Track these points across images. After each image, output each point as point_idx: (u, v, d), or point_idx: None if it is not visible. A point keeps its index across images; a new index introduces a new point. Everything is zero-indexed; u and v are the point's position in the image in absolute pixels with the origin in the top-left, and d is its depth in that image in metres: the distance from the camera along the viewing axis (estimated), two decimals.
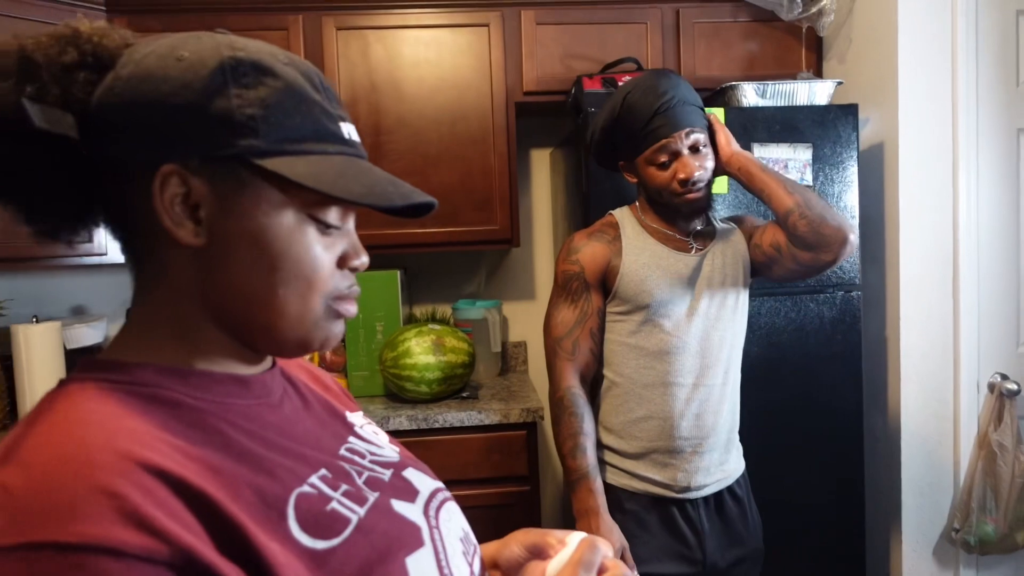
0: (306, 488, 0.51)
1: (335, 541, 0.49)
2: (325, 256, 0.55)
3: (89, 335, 2.29)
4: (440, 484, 0.66)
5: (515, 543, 0.66)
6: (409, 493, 0.60)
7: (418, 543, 0.54)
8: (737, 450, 1.54)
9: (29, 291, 2.47)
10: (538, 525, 2.01)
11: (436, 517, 0.59)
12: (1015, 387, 1.96)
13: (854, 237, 1.42)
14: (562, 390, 1.50)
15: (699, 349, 1.46)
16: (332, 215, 0.55)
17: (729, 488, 1.51)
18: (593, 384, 1.55)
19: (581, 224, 1.92)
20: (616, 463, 1.50)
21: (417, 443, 2.02)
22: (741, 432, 1.55)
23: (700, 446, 1.46)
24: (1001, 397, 1.97)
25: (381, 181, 0.54)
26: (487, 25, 2.25)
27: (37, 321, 2.19)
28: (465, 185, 2.28)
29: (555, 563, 0.59)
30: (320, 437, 0.59)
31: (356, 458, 0.60)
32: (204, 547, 0.41)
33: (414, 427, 2.02)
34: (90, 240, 2.17)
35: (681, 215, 1.49)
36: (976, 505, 1.94)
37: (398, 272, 2.30)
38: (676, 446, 1.46)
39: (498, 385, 2.39)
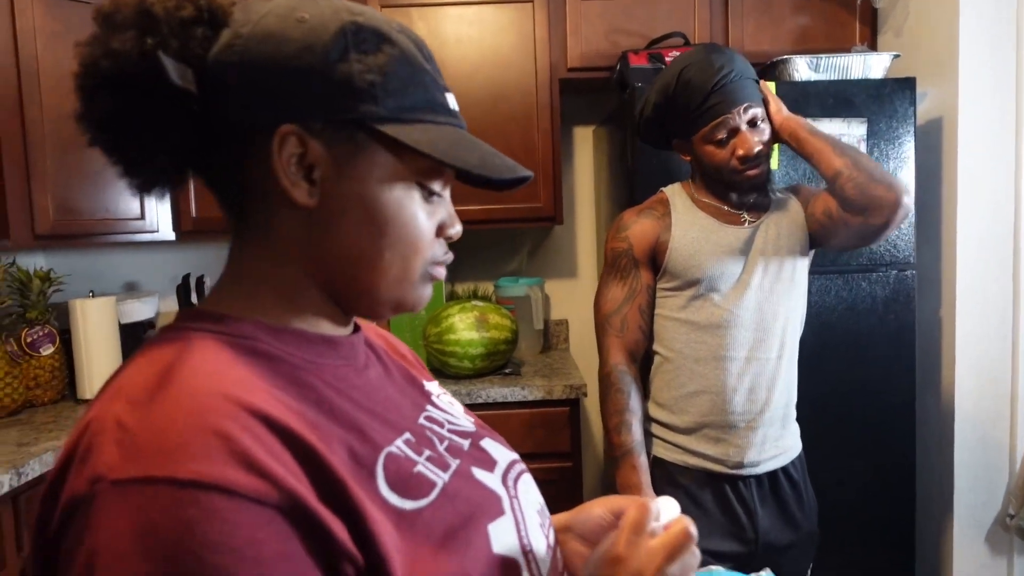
0: (394, 449, 0.52)
1: (422, 502, 0.50)
2: (428, 223, 0.56)
3: (141, 310, 2.36)
4: (516, 456, 0.66)
5: (598, 506, 0.66)
6: (488, 463, 0.60)
7: (499, 511, 0.55)
8: (794, 428, 1.51)
9: (84, 268, 2.54)
10: (580, 501, 2.01)
11: (515, 487, 0.60)
12: None
13: (908, 200, 1.37)
14: (609, 366, 1.50)
15: (752, 322, 1.44)
16: (438, 183, 0.56)
17: (784, 469, 1.49)
18: (645, 361, 1.54)
19: (626, 202, 1.90)
20: (668, 437, 1.50)
21: None
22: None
23: (754, 421, 1.44)
24: None
25: (489, 153, 0.55)
26: (531, 1, 2.23)
27: (93, 296, 2.26)
28: None
29: None
30: (401, 404, 0.60)
31: (435, 426, 0.61)
32: (308, 495, 0.42)
33: None
34: (142, 217, 2.22)
35: (739, 191, 1.46)
36: None
37: None
38: (729, 421, 1.44)
39: (540, 362, 2.40)
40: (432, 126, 0.53)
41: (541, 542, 0.57)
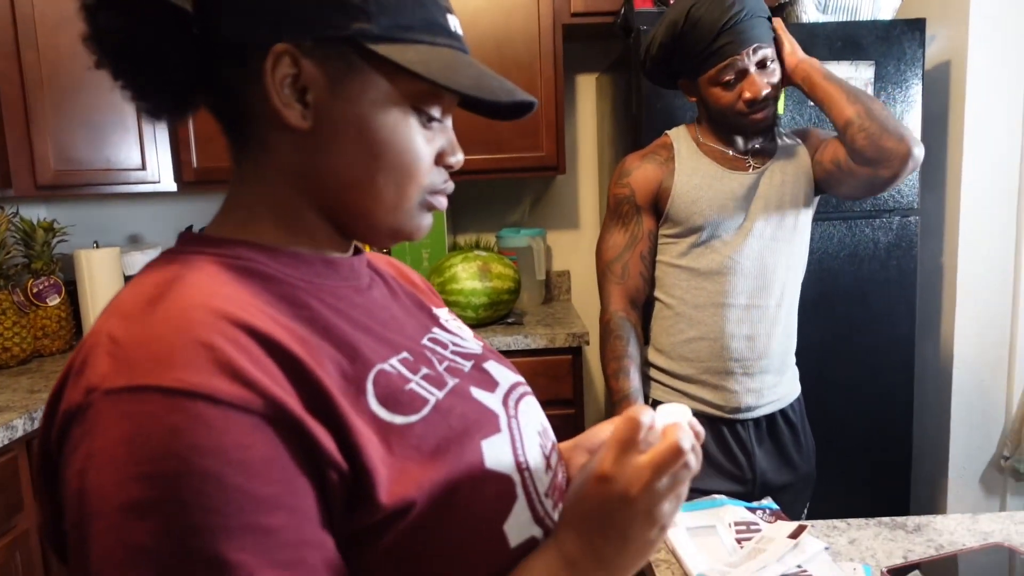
0: (386, 367, 0.52)
1: (413, 418, 0.50)
2: (425, 149, 0.55)
3: (145, 262, 2.37)
4: (520, 379, 0.66)
5: (608, 423, 0.68)
6: (489, 383, 0.60)
7: (495, 429, 0.55)
8: (792, 373, 1.53)
9: (87, 220, 2.54)
10: None
11: (515, 408, 0.60)
12: None
13: (918, 151, 1.35)
14: (609, 313, 1.51)
15: (753, 270, 1.44)
16: (436, 108, 0.55)
17: (782, 411, 1.51)
18: (646, 308, 1.55)
19: (631, 150, 1.89)
20: (666, 382, 1.51)
21: None
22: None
23: (751, 368, 1.46)
24: None
25: (487, 75, 0.54)
26: None
27: (98, 247, 2.26)
28: None
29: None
30: (404, 324, 0.60)
31: (438, 348, 0.61)
32: (293, 403, 0.43)
33: None
34: (143, 167, 2.21)
35: (744, 134, 1.45)
36: None
37: None
38: (727, 367, 1.46)
39: (542, 312, 2.41)
40: (428, 47, 0.52)
41: (539, 462, 0.57)
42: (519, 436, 0.57)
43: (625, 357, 1.47)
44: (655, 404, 1.51)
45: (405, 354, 0.55)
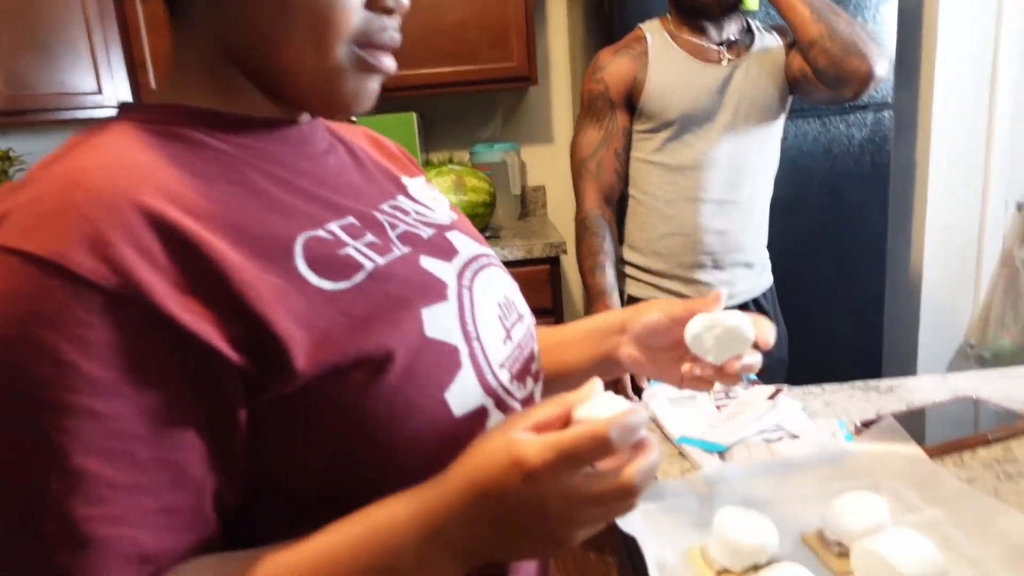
0: (320, 232, 0.49)
1: (343, 284, 0.47)
2: None
3: None
4: (487, 251, 0.63)
5: (654, 310, 0.65)
6: (446, 252, 0.57)
7: (439, 297, 0.52)
8: (763, 266, 1.55)
9: (45, 149, 2.45)
10: None
11: (472, 278, 0.56)
12: None
13: (881, 70, 1.33)
14: (584, 211, 1.50)
15: (727, 164, 1.44)
16: None
17: (755, 301, 1.54)
18: (621, 205, 1.55)
19: None
20: (640, 277, 1.53)
21: None
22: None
23: (723, 261, 1.48)
24: None
25: None
26: None
27: None
28: (480, 22, 2.19)
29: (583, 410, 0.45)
30: (362, 190, 0.57)
31: (398, 214, 0.58)
32: (163, 288, 0.40)
33: None
34: (99, 91, 2.13)
35: (712, 19, 1.42)
36: (995, 321, 1.98)
37: (414, 115, 2.26)
38: (699, 261, 1.47)
39: (519, 227, 2.40)
40: None
41: (495, 332, 0.54)
42: (469, 305, 0.54)
43: (600, 253, 1.48)
44: (631, 300, 1.53)
45: (350, 219, 0.52)
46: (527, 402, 0.58)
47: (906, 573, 0.57)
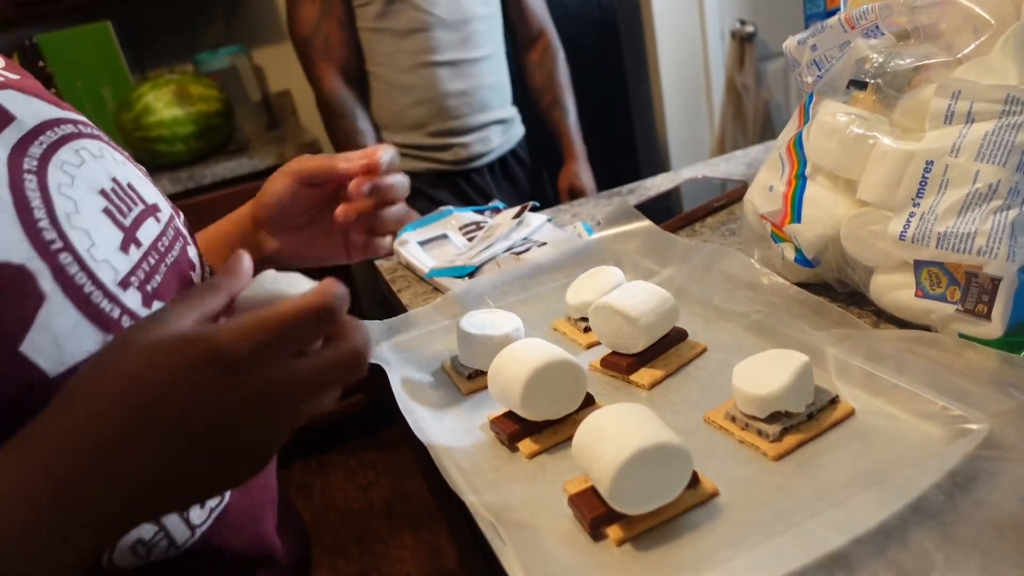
0: None
1: None
2: None
3: None
4: (76, 118, 0.45)
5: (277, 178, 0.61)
6: None
7: None
8: (513, 119, 1.55)
9: None
10: None
11: (43, 158, 0.39)
12: (752, 29, 2.10)
13: None
14: (325, 94, 1.39)
15: (453, 20, 1.38)
16: None
17: (512, 152, 1.54)
18: (361, 84, 1.44)
19: None
20: (401, 151, 1.46)
21: (188, 206, 1.84)
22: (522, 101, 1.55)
23: (474, 120, 1.44)
24: (741, 41, 2.11)
25: None
26: None
27: None
28: None
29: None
30: None
31: None
32: None
33: (180, 189, 1.83)
34: None
35: None
36: (729, 144, 2.15)
37: (108, 24, 1.93)
38: (450, 127, 1.43)
39: (269, 136, 2.19)
40: None
41: (104, 238, 0.40)
42: (41, 198, 0.37)
43: (357, 134, 1.39)
44: None
45: None
46: None
47: (636, 313, 0.57)
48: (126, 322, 0.39)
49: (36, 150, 0.39)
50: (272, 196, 0.62)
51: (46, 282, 0.35)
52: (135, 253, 0.41)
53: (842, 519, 0.40)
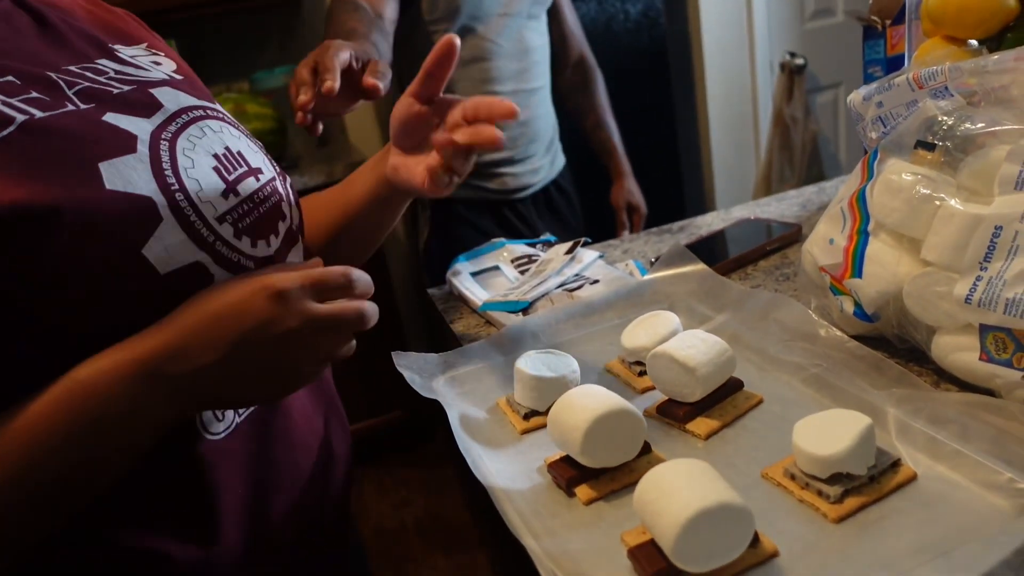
0: None
1: None
2: None
3: None
4: (211, 105, 0.58)
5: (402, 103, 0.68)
6: (146, 108, 0.53)
7: (124, 150, 0.49)
8: (557, 148, 1.57)
9: None
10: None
11: (176, 132, 0.53)
12: (802, 62, 2.10)
13: None
14: None
15: (515, 50, 1.40)
16: None
17: (554, 182, 1.56)
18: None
19: None
20: None
21: None
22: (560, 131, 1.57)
23: (526, 151, 1.46)
24: (791, 74, 2.11)
25: None
26: None
27: None
28: None
29: None
30: (39, 52, 0.53)
31: (87, 74, 0.53)
32: None
33: None
34: None
35: None
36: (775, 177, 2.14)
37: (172, 41, 2.00)
38: (504, 157, 1.45)
39: (320, 154, 2.25)
40: None
41: (211, 185, 0.52)
42: (168, 157, 0.51)
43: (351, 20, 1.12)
44: (430, 202, 1.48)
45: (9, 78, 0.49)
46: (268, 262, 0.54)
47: (694, 364, 0.58)
48: (219, 246, 0.50)
49: (173, 127, 0.53)
50: (398, 117, 0.69)
51: (163, 210, 0.48)
52: (233, 200, 0.53)
53: None
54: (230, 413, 0.53)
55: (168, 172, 0.49)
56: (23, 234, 0.42)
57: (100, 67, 0.55)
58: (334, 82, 0.68)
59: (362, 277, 0.50)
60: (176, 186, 0.49)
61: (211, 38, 2.30)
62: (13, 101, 0.47)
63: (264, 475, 0.56)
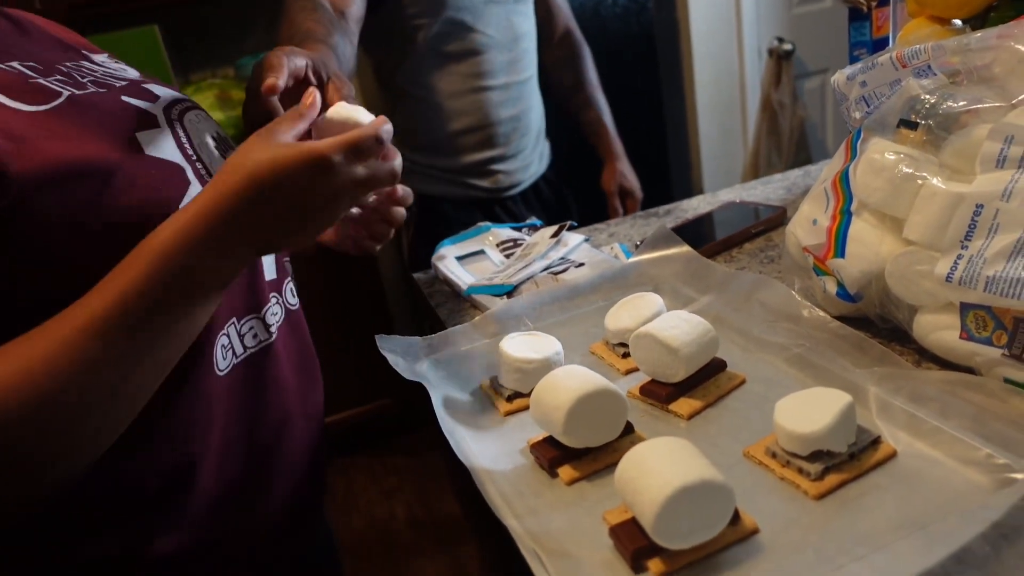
0: (1, 66, 0.51)
1: (42, 107, 0.49)
2: None
3: None
4: (187, 99, 0.64)
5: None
6: (147, 95, 0.59)
7: (150, 124, 0.55)
8: (544, 142, 1.55)
9: None
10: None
11: (180, 116, 0.59)
12: (790, 48, 2.09)
13: None
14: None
15: (505, 40, 1.37)
16: None
17: (543, 176, 1.53)
18: (400, 108, 1.40)
19: None
20: (432, 173, 1.44)
21: None
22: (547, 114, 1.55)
23: (518, 146, 1.44)
24: (779, 59, 2.11)
25: None
26: None
27: None
28: None
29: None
30: (35, 51, 0.57)
31: (83, 70, 0.58)
32: None
33: None
34: None
35: None
36: (763, 162, 2.14)
37: (155, 28, 1.98)
38: (497, 154, 1.41)
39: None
40: None
41: (216, 160, 0.59)
42: (184, 134, 0.58)
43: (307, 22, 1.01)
44: (423, 198, 1.44)
45: (32, 63, 0.53)
46: None
47: (677, 344, 0.58)
48: None
49: (174, 112, 0.59)
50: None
51: (190, 175, 0.54)
52: None
53: (885, 565, 0.40)
54: (230, 354, 0.57)
55: (187, 145, 0.57)
56: (82, 191, 0.47)
57: (86, 67, 0.60)
58: (277, 79, 0.56)
59: (388, 131, 0.52)
60: (195, 157, 0.56)
61: (195, 24, 2.28)
62: (51, 80, 0.52)
63: (252, 415, 0.59)
